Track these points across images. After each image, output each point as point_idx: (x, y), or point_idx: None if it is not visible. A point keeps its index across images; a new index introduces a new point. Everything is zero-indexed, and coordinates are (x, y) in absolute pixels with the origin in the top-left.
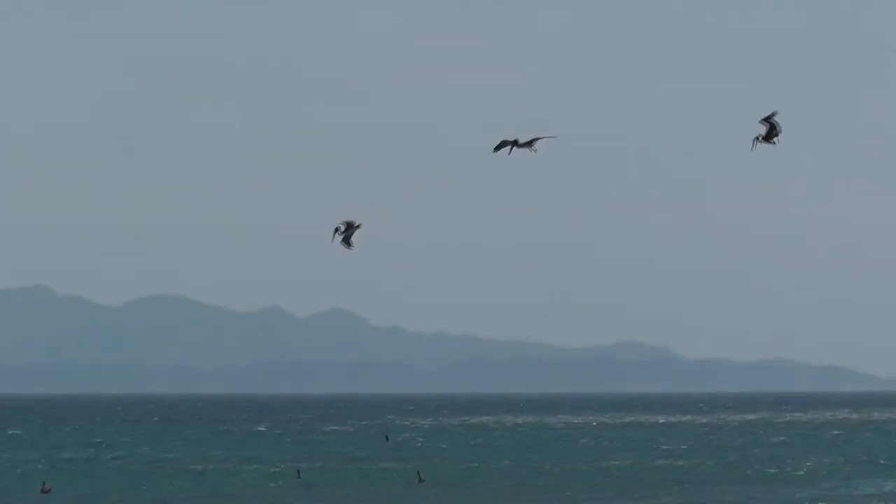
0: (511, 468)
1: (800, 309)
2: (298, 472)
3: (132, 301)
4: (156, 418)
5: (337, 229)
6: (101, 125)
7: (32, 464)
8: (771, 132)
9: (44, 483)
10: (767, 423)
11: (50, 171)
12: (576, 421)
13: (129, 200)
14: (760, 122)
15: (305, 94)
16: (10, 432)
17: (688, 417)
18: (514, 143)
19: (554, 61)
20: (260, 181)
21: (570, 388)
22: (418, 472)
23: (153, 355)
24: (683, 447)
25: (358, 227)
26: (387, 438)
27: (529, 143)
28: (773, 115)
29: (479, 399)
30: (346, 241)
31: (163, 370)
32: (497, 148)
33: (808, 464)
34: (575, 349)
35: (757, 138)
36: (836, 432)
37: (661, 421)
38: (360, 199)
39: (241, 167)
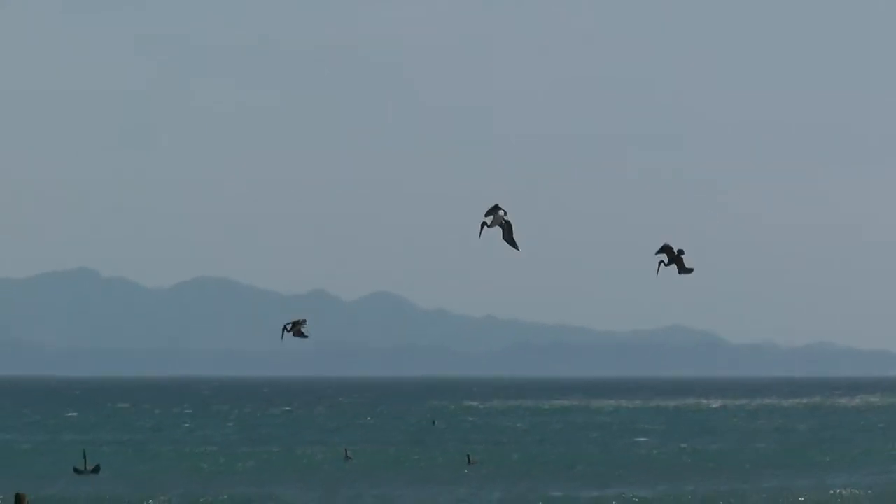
0: (562, 451)
1: (846, 293)
2: (346, 453)
3: (178, 284)
4: (206, 395)
5: (285, 328)
6: (144, 109)
7: (88, 445)
8: (678, 262)
9: (85, 461)
10: (818, 406)
11: (95, 155)
12: (626, 405)
13: (174, 183)
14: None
15: (353, 78)
16: (67, 414)
17: (742, 401)
18: (488, 223)
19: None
20: (305, 165)
21: (615, 373)
22: (468, 455)
23: (199, 338)
24: (733, 431)
25: (303, 322)
26: (433, 423)
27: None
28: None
29: (524, 382)
30: (299, 333)
31: (208, 353)
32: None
33: (864, 448)
34: (621, 333)
35: (662, 263)
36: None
37: (714, 405)
38: (401, 183)
39: (286, 151)
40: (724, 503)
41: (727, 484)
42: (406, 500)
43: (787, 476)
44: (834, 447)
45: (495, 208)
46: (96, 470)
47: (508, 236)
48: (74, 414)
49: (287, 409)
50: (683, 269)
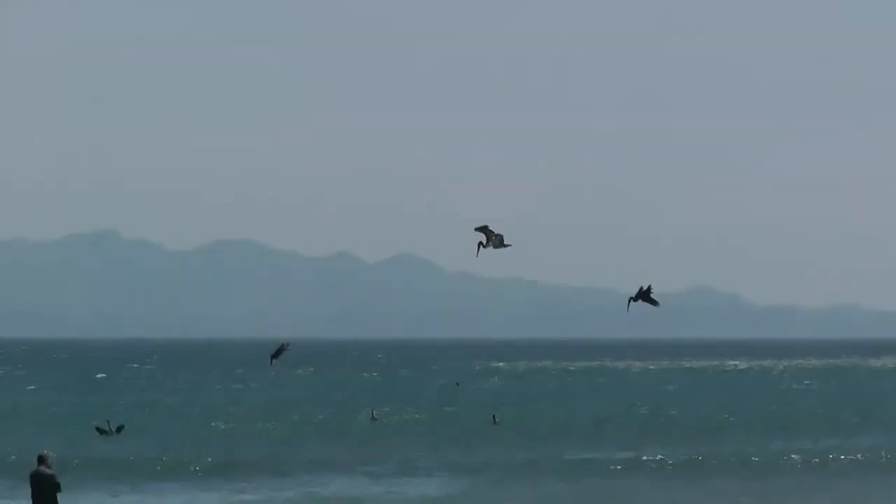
0: (589, 412)
1: (871, 255)
2: (373, 413)
3: (200, 246)
4: (230, 357)
5: (272, 357)
6: (171, 72)
7: (116, 406)
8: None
9: (109, 422)
10: (844, 368)
11: (116, 115)
12: (653, 366)
13: (196, 145)
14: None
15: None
16: (95, 376)
17: (768, 362)
18: (483, 242)
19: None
20: (327, 127)
21: (640, 335)
22: (493, 415)
23: (221, 301)
24: (761, 392)
25: (287, 347)
26: (458, 384)
27: (495, 239)
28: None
29: (548, 344)
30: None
31: (231, 315)
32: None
33: (892, 410)
34: None
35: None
36: None
37: (742, 366)
38: (424, 144)
39: (308, 114)
40: (759, 463)
41: (759, 445)
42: (431, 461)
43: (818, 437)
44: (862, 409)
45: (486, 229)
46: (120, 430)
47: (500, 245)
48: (102, 375)
49: (311, 370)
50: (653, 302)
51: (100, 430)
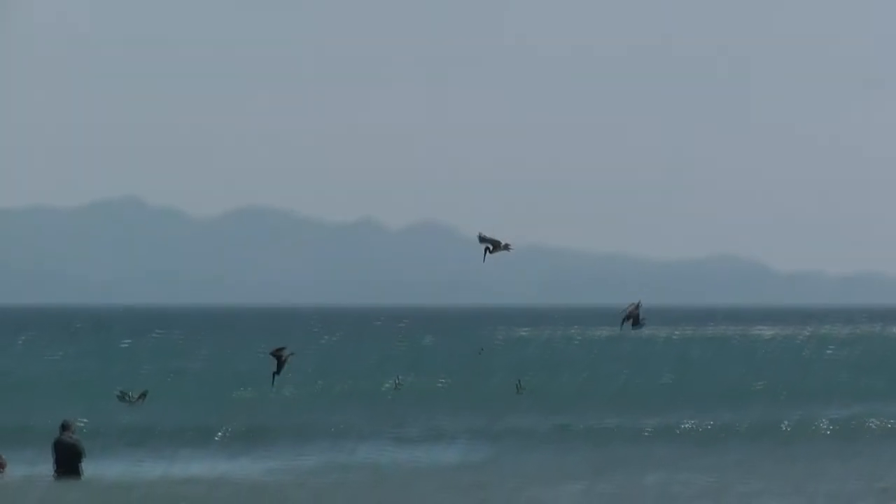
0: (615, 379)
1: None
2: (397, 380)
3: (225, 213)
4: (255, 324)
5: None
6: (199, 38)
7: (142, 373)
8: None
9: (128, 393)
10: (871, 335)
11: (139, 81)
12: (678, 333)
13: (221, 110)
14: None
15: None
16: (121, 345)
17: (794, 329)
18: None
19: None
20: (350, 93)
21: (662, 301)
22: (518, 382)
23: (245, 267)
24: (788, 359)
25: (288, 356)
26: (481, 351)
27: (503, 247)
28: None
29: (571, 311)
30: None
31: (255, 282)
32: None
33: None
34: (667, 262)
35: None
36: None
37: (767, 333)
38: (449, 111)
39: (330, 80)
40: (784, 429)
41: (784, 412)
42: (455, 428)
43: (845, 404)
44: (888, 375)
45: (493, 241)
46: (143, 397)
47: (505, 249)
48: (127, 342)
49: (335, 338)
50: (637, 323)
51: (122, 397)
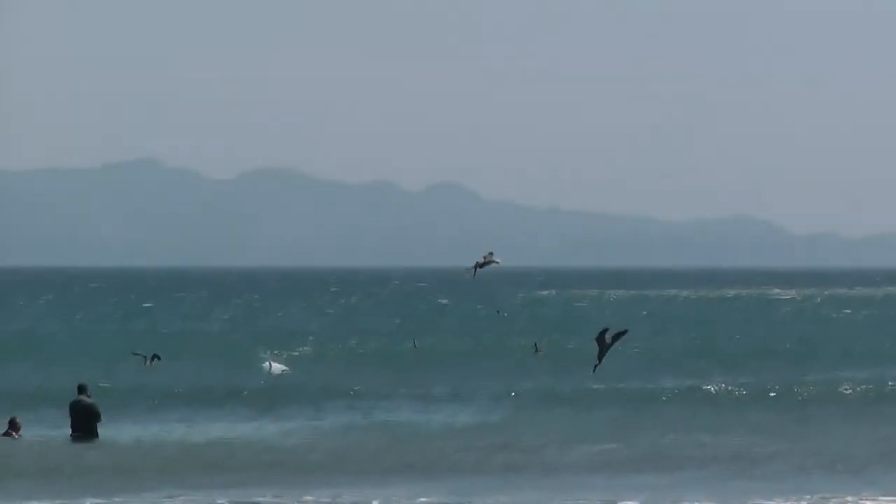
0: (635, 342)
1: None
2: (414, 342)
3: (241, 174)
4: (273, 285)
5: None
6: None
7: (163, 334)
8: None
9: (144, 356)
10: (888, 296)
11: (155, 40)
12: (694, 295)
13: (238, 70)
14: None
15: None
16: (143, 305)
17: (811, 291)
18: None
19: None
20: (371, 54)
21: (678, 263)
22: (535, 344)
23: (262, 229)
24: (806, 321)
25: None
26: (498, 312)
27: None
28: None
29: (587, 273)
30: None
31: (272, 244)
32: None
33: None
34: (683, 224)
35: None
36: None
37: (784, 296)
38: (467, 73)
39: (349, 40)
40: (803, 391)
41: (802, 374)
42: (473, 389)
43: (863, 366)
44: None
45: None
46: (156, 360)
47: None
48: (148, 305)
49: (353, 298)
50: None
51: (139, 359)
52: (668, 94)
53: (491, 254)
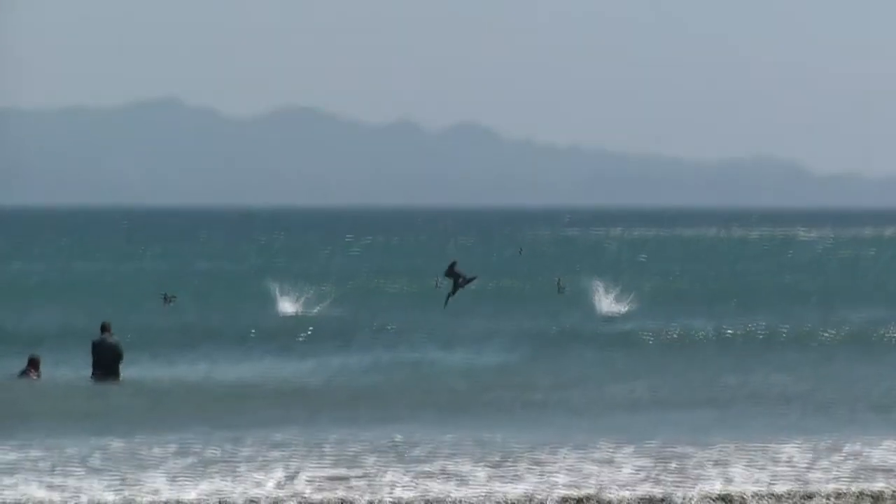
0: (657, 280)
1: None
2: (437, 282)
3: (262, 113)
4: (293, 225)
5: None
6: None
7: (183, 274)
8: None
9: (165, 294)
10: None
11: None
12: (715, 234)
13: (259, 13)
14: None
15: None
16: (152, 252)
17: (833, 231)
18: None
19: None
20: None
21: (700, 203)
22: (558, 281)
23: (282, 168)
24: (826, 261)
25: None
26: (520, 251)
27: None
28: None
29: (607, 212)
30: None
31: (292, 183)
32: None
33: None
34: (705, 163)
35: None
36: None
37: (806, 236)
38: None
39: None
40: (826, 334)
41: (833, 314)
42: (495, 328)
43: (890, 306)
44: None
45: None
46: (173, 299)
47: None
48: (168, 244)
49: (371, 238)
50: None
51: (164, 299)
52: (692, 33)
53: (475, 278)
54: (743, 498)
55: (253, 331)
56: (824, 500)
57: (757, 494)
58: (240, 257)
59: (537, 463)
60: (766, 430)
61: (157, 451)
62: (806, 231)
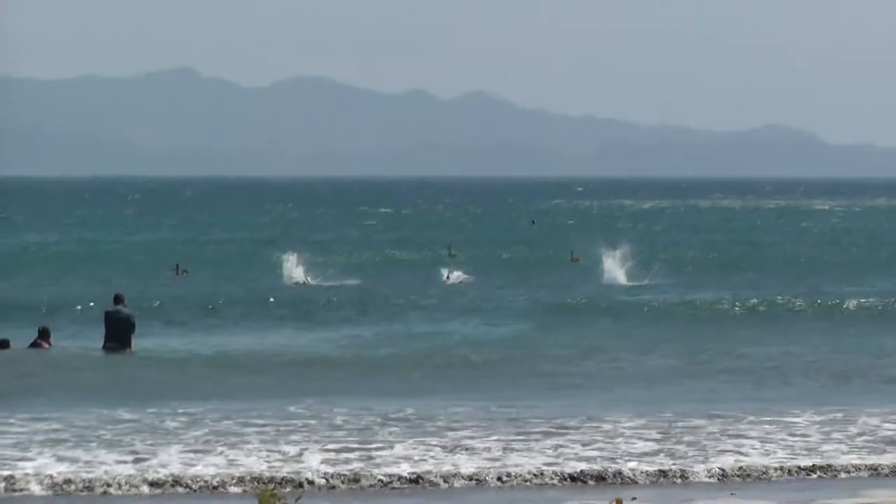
0: (671, 250)
1: None
2: (450, 250)
3: (276, 83)
4: (306, 195)
5: None
6: None
7: (199, 244)
8: None
9: (178, 265)
10: None
11: None
12: (729, 204)
13: None
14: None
15: None
16: (166, 223)
17: (847, 202)
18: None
19: None
20: None
21: (712, 173)
22: (572, 252)
23: (296, 138)
24: (840, 232)
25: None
26: (533, 222)
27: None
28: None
29: (621, 182)
30: None
31: (306, 153)
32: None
33: None
34: (718, 133)
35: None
36: None
37: (820, 207)
38: None
39: None
40: (837, 305)
41: (849, 285)
42: (509, 298)
43: None
44: None
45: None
46: (183, 272)
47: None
48: (182, 214)
49: (385, 210)
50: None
51: (177, 270)
52: (706, 3)
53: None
54: (762, 470)
55: (272, 299)
56: (842, 474)
57: (770, 468)
58: (254, 228)
59: (551, 435)
60: (778, 400)
61: (169, 423)
62: (821, 202)
